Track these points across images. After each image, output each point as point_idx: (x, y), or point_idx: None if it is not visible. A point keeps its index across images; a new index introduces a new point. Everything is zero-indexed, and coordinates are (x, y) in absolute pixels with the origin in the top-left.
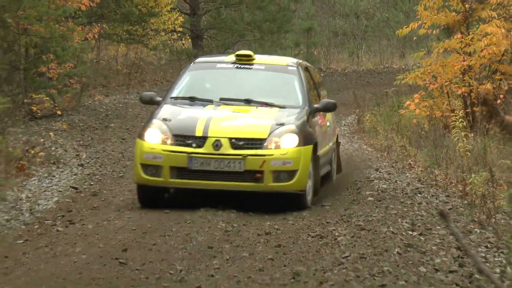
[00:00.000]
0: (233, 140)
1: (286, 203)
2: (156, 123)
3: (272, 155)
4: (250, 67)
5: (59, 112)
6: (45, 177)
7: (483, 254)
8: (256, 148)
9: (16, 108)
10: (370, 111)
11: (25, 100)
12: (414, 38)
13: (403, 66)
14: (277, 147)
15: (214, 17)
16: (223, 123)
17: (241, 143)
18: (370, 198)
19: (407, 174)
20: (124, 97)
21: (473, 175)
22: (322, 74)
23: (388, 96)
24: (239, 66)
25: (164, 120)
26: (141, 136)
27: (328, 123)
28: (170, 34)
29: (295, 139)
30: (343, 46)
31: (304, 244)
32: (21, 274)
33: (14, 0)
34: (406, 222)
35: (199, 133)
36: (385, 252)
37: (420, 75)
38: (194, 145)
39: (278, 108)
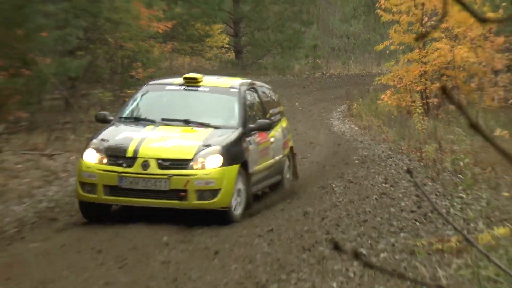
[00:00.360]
0: (160, 161)
1: (211, 217)
2: (94, 143)
3: (195, 175)
4: (196, 89)
5: None
6: None
7: (434, 200)
8: (181, 169)
9: (115, 100)
10: (357, 102)
11: (121, 94)
12: (387, 52)
13: (379, 71)
14: (201, 167)
15: (250, 38)
16: (153, 144)
17: (167, 163)
18: (356, 161)
19: (382, 145)
20: None
21: (427, 146)
22: (277, 94)
23: (369, 91)
24: (186, 88)
25: (102, 140)
26: (82, 155)
27: (272, 139)
28: (220, 49)
29: (219, 159)
30: (338, 57)
31: (311, 193)
32: None
33: (113, 26)
34: (381, 178)
35: (129, 154)
36: (367, 198)
37: (391, 77)
38: (124, 165)
39: (212, 129)
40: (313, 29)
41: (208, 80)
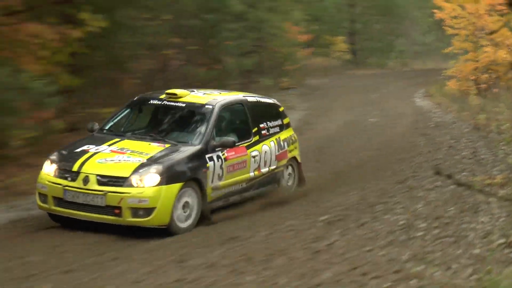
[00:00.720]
0: (99, 177)
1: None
2: (54, 155)
3: (129, 193)
4: (175, 104)
5: (292, 87)
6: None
7: (485, 150)
8: (117, 186)
9: (274, 85)
10: (431, 87)
11: (280, 84)
12: (451, 54)
13: (446, 67)
14: (136, 185)
15: (360, 45)
16: (99, 160)
17: (105, 180)
18: (432, 125)
19: (448, 115)
20: (321, 81)
21: (479, 115)
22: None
23: (439, 80)
24: (166, 103)
25: (61, 153)
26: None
27: (255, 153)
28: (341, 52)
29: (155, 178)
30: (418, 58)
31: (402, 145)
32: None
33: (272, 37)
34: (448, 136)
35: (75, 168)
36: (439, 149)
37: (454, 71)
38: (69, 178)
39: (169, 145)
40: (401, 39)
41: (190, 96)
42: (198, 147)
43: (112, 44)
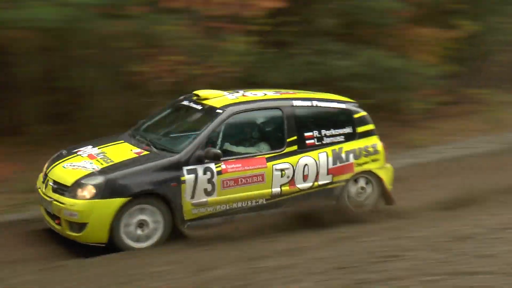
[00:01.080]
0: (51, 183)
1: None
2: (57, 153)
3: (64, 204)
4: (194, 106)
5: None
6: None
7: None
8: (61, 195)
9: None
10: None
11: None
12: None
13: None
14: (72, 197)
15: None
16: (65, 164)
17: (56, 186)
18: None
19: None
20: None
21: None
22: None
23: None
24: (189, 105)
25: (61, 151)
26: None
27: (284, 166)
28: None
29: (92, 191)
30: None
31: None
32: None
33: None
34: None
35: (48, 170)
36: None
37: None
38: (43, 181)
39: (146, 153)
40: None
41: (220, 98)
42: (174, 157)
43: (480, 42)
